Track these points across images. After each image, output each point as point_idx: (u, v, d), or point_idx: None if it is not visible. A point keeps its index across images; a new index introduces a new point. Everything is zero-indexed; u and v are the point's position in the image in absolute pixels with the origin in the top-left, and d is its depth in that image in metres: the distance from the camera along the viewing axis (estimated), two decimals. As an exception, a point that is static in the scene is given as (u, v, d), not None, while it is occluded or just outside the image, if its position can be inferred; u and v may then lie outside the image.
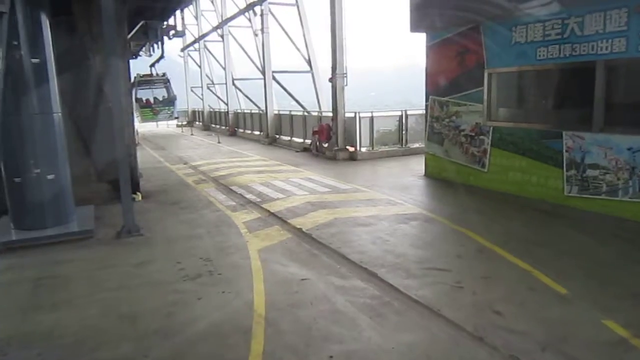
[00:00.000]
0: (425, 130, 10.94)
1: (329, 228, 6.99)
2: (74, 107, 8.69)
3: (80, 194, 8.74)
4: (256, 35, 21.12)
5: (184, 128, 33.15)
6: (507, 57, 8.57)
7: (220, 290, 4.87)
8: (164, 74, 23.77)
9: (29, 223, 7.02)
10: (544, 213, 7.53)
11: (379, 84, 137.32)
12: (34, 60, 6.82)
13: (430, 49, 10.49)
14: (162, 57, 21.86)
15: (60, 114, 7.30)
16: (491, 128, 9.14)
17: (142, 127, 36.42)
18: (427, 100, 10.76)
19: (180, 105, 39.57)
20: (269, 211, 8.18)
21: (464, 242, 6.22)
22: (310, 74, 20.18)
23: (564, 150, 7.74)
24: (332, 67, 14.39)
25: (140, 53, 37.29)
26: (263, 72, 20.39)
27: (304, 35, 19.65)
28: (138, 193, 9.49)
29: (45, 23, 7.11)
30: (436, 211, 7.78)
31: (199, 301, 4.63)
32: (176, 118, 26.23)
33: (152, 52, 36.06)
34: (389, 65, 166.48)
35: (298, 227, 7.10)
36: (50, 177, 7.08)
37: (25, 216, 7.07)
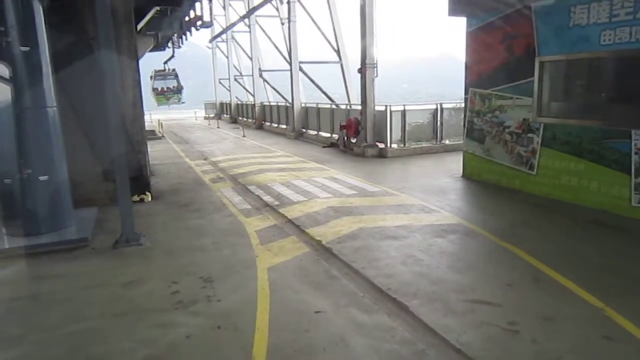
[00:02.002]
0: (464, 126, 9.81)
1: (353, 241, 6.04)
2: (77, 101, 7.99)
3: (84, 194, 8.11)
4: (283, 24, 20.22)
5: (211, 120, 32.68)
6: (563, 42, 7.37)
7: (215, 325, 4.00)
8: (173, 69, 29.78)
9: (21, 229, 6.35)
10: (608, 227, 6.36)
11: (410, 75, 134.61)
12: (24, 49, 6.11)
13: (471, 35, 9.32)
14: (172, 56, 26.29)
15: (55, 108, 6.58)
16: (542, 125, 7.96)
17: (169, 119, 36.38)
18: (466, 92, 9.61)
19: (208, 97, 39.41)
20: (286, 217, 7.29)
21: (514, 265, 5.16)
22: (339, 65, 19.18)
23: (633, 153, 6.54)
24: (362, 57, 13.34)
25: (169, 44, 37.16)
26: (289, 63, 19.47)
27: (332, 24, 18.65)
28: (148, 193, 8.78)
29: (38, 9, 6.38)
30: (478, 222, 6.71)
31: (186, 341, 3.77)
32: (183, 102, 32.02)
33: (181, 44, 35.88)
34: (421, 56, 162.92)
35: (317, 238, 6.18)
36: (43, 178, 6.38)
37: (17, 222, 6.40)
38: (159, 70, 29.57)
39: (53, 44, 7.07)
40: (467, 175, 9.77)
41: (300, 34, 19.35)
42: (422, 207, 7.56)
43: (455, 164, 10.79)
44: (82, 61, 7.93)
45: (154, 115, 37.60)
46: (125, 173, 6.26)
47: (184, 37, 30.94)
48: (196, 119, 36.39)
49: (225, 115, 35.05)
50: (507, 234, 6.10)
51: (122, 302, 4.54)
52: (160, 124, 24.25)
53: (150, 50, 36.31)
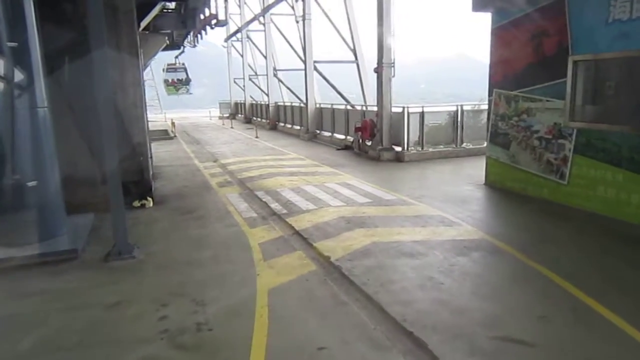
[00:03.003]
0: (488, 130, 9.13)
1: (365, 258, 5.46)
2: (75, 101, 7.56)
3: (83, 198, 7.66)
4: (298, 22, 19.69)
5: (225, 120, 32.31)
6: (601, 39, 6.68)
7: (202, 362, 3.47)
8: (183, 63, 33.42)
9: (5, 238, 5.91)
10: (653, 246, 5.68)
11: (426, 75, 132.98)
12: (11, 44, 5.66)
13: (497, 32, 8.65)
14: (182, 52, 28.24)
15: (46, 108, 6.12)
16: (575, 130, 7.27)
17: (183, 118, 36.22)
18: (490, 94, 8.94)
19: (222, 97, 39.18)
20: (293, 228, 6.74)
21: (547, 292, 4.52)
22: (355, 65, 18.56)
23: (681, 163, 5.85)
24: (378, 56, 12.73)
25: (185, 43, 37.04)
26: (304, 62, 18.93)
27: (349, 22, 18.05)
28: (149, 198, 8.30)
29: (29, 2, 5.92)
30: (504, 237, 6.06)
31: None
32: (190, 93, 35.96)
33: (196, 43, 35.67)
34: (437, 56, 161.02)
35: (326, 254, 5.60)
36: (31, 184, 5.93)
37: (4, 230, 5.96)
38: (170, 64, 33.29)
39: (49, 40, 6.66)
40: (489, 183, 9.09)
41: (316, 33, 18.84)
42: (441, 219, 6.93)
43: (476, 170, 10.12)
44: (80, 59, 7.48)
45: (168, 114, 37.69)
46: (118, 178, 5.77)
47: (199, 35, 30.69)
48: (210, 119, 36.07)
49: (239, 115, 34.67)
50: (537, 252, 5.45)
51: (103, 328, 4.04)
52: (173, 124, 23.90)
53: (165, 49, 36.31)
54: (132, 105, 7.89)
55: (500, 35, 8.60)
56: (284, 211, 7.68)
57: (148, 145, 8.60)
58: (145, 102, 8.54)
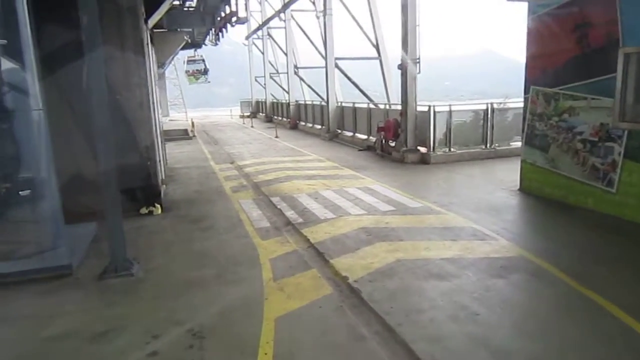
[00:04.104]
0: (523, 131, 8.33)
1: (388, 280, 4.80)
2: (77, 102, 7.09)
3: (87, 206, 7.17)
4: (318, 17, 19.06)
5: (245, 119, 31.91)
6: (659, 29, 5.87)
7: (190, 418, 2.89)
8: (201, 55, 36.18)
9: (1, 252, 5.47)
10: None
11: (450, 71, 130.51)
12: (0, 42, 5.19)
13: (535, 23, 7.84)
14: (199, 46, 32.10)
15: (41, 111, 5.64)
16: (625, 132, 6.46)
17: (204, 117, 36.13)
18: (526, 91, 8.14)
19: (244, 95, 38.93)
20: (308, 241, 6.13)
21: (606, 328, 3.79)
22: (377, 62, 17.81)
23: None
24: (403, 52, 11.99)
25: (207, 41, 36.91)
26: (325, 58, 18.27)
27: (371, 17, 17.31)
28: (157, 205, 7.81)
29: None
30: (547, 255, 5.31)
31: None
32: (208, 82, 39.12)
33: (217, 42, 35.42)
34: (460, 53, 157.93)
35: (343, 274, 4.97)
36: (24, 193, 5.47)
37: (-3, 242, 5.53)
38: (190, 57, 36.40)
39: (49, 39, 6.23)
40: (525, 189, 8.30)
41: (338, 28, 18.13)
42: (473, 232, 6.22)
43: (509, 173, 9.34)
44: (82, 58, 7.02)
45: (192, 113, 38.04)
46: (115, 185, 5.23)
47: (220, 33, 30.35)
48: (232, 118, 35.77)
49: (260, 114, 34.24)
50: (590, 276, 4.71)
51: (81, 367, 3.51)
52: (193, 124, 23.58)
53: (186, 48, 36.15)
54: (138, 106, 7.39)
55: (538, 27, 7.79)
56: (300, 220, 7.08)
57: (157, 148, 8.10)
58: (154, 103, 8.03)
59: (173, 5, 21.02)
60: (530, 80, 8.03)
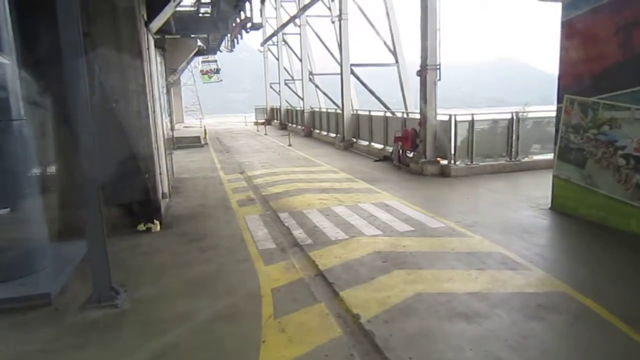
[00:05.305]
0: (556, 144, 7.58)
1: (406, 320, 4.13)
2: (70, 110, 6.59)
3: (80, 221, 6.68)
4: (333, 22, 18.48)
5: (259, 126, 31.44)
6: None
7: None
8: (214, 56, 40.60)
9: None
10: None
11: (468, 78, 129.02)
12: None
13: (570, 24, 7.13)
14: (214, 53, 36.75)
15: (24, 120, 5.15)
16: (677, 147, 5.71)
17: (218, 123, 35.87)
18: (559, 101, 7.40)
19: (258, 102, 38.59)
20: (317, 267, 5.48)
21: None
22: (395, 68, 17.13)
23: None
24: (422, 58, 11.33)
25: (222, 48, 36.66)
26: (340, 64, 17.67)
27: (389, 22, 16.67)
28: (156, 222, 7.25)
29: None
30: (591, 290, 4.58)
31: None
32: (221, 80, 44.24)
33: (233, 48, 35.12)
34: (478, 59, 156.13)
35: (355, 311, 4.31)
36: (2, 211, 4.95)
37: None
38: (204, 58, 40.73)
39: (38, 43, 5.74)
40: (557, 208, 7.54)
41: (354, 34, 17.51)
42: (502, 259, 5.51)
43: (536, 189, 8.63)
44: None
45: (208, 119, 38.20)
46: (97, 205, 4.68)
47: (235, 40, 30.01)
48: (246, 124, 35.39)
49: (275, 121, 33.76)
50: (646, 320, 3.98)
51: None
52: (205, 131, 23.16)
53: (200, 54, 35.84)
54: (136, 115, 6.86)
55: (573, 29, 7.07)
56: (309, 241, 6.44)
57: (157, 160, 7.55)
58: (155, 111, 7.49)
59: (186, 10, 20.77)
60: (564, 88, 7.30)
